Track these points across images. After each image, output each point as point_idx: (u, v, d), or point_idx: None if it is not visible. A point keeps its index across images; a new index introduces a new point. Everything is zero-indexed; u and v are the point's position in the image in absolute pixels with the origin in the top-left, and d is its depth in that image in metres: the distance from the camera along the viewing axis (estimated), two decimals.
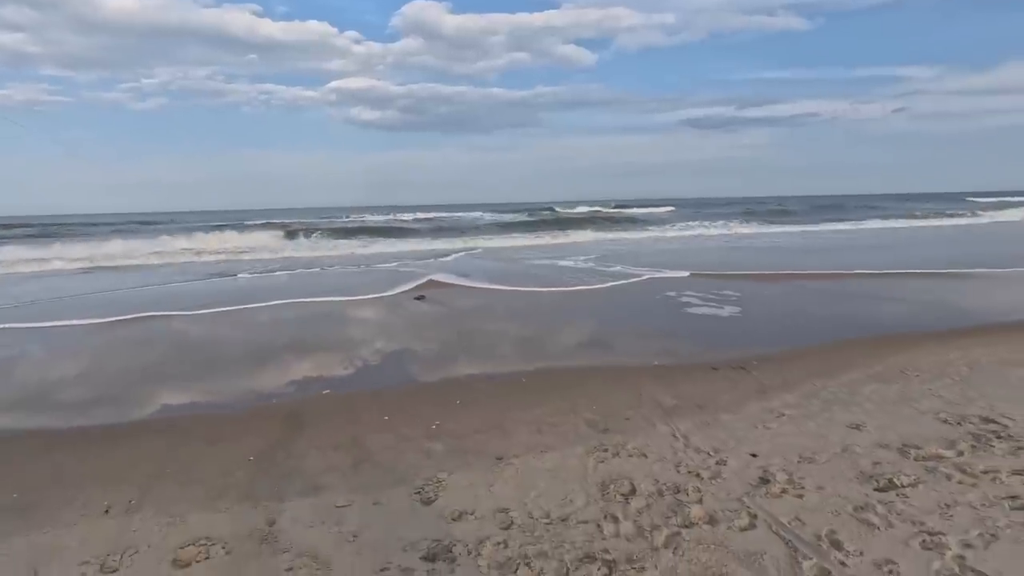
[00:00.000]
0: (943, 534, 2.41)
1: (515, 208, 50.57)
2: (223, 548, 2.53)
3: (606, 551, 2.40)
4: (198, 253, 18.11)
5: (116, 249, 18.49)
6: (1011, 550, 2.30)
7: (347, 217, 38.55)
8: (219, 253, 18.06)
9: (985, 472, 2.91)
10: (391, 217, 37.06)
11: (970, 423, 3.56)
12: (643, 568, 2.29)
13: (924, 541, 2.37)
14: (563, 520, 2.66)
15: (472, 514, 2.74)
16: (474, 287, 10.20)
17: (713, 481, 2.96)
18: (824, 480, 2.93)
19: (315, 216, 40.12)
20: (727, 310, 7.53)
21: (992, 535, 2.39)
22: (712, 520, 2.60)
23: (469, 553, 2.43)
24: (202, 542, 2.57)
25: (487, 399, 4.39)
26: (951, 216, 32.11)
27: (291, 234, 24.46)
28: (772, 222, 30.46)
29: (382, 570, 2.35)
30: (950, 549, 2.31)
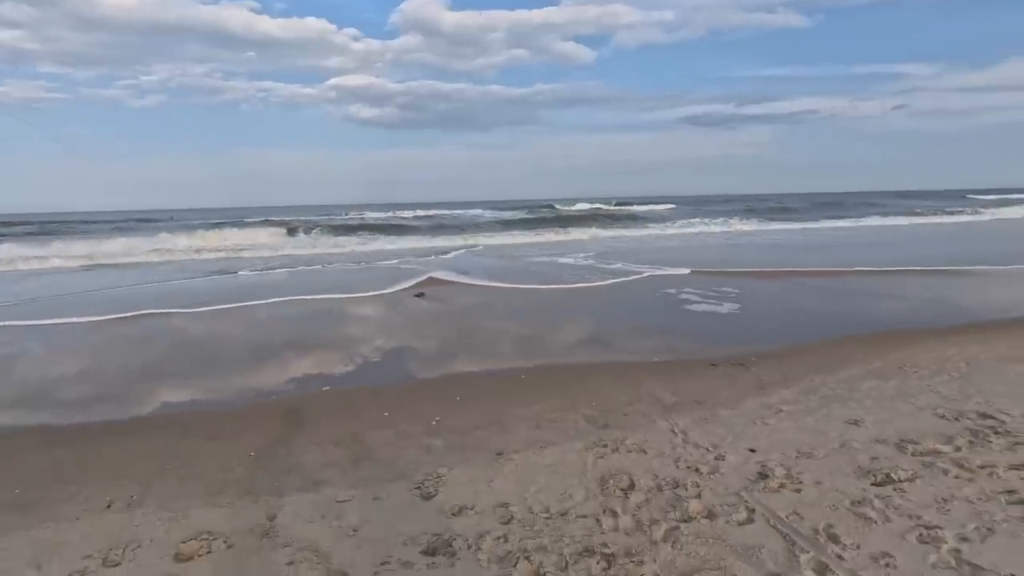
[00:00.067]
0: (940, 528, 2.43)
1: (515, 205, 50.50)
2: (224, 542, 2.54)
3: (605, 545, 2.42)
4: (198, 250, 18.07)
5: (116, 247, 18.45)
6: (1007, 544, 2.32)
7: (347, 214, 38.46)
8: (219, 250, 18.04)
9: (982, 467, 2.93)
10: (391, 214, 36.94)
11: (968, 419, 3.57)
12: (642, 562, 2.31)
13: (921, 535, 2.39)
14: (562, 515, 2.67)
15: (472, 509, 2.75)
16: (474, 284, 10.22)
17: (712, 476, 2.98)
18: (822, 475, 2.94)
19: (315, 214, 40.08)
20: (727, 307, 7.55)
21: (988, 529, 2.41)
22: (711, 514, 2.62)
23: (469, 547, 2.45)
24: (203, 537, 2.59)
25: (487, 395, 4.41)
26: (951, 213, 32.05)
27: (291, 231, 24.52)
28: (772, 219, 30.43)
29: (382, 564, 2.36)
30: (946, 543, 2.33)
